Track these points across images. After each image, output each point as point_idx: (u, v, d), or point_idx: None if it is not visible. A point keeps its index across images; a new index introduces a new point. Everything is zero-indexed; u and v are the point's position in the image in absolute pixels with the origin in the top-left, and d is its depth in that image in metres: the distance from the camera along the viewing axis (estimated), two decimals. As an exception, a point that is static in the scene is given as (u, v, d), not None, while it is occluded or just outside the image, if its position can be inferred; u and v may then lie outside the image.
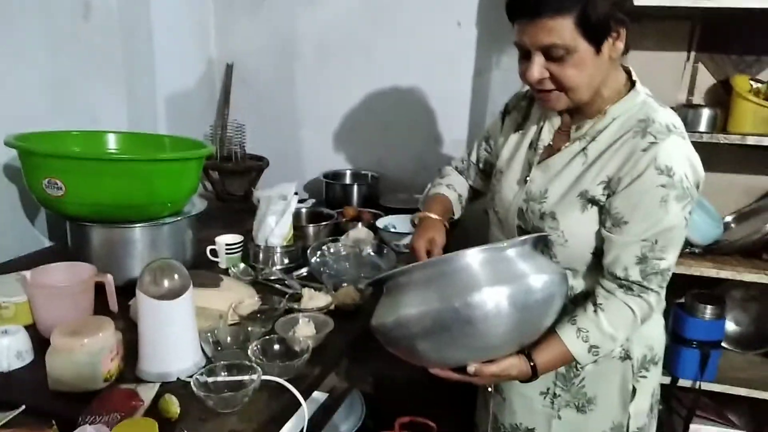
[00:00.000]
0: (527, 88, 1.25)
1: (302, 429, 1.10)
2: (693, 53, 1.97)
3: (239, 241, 1.64)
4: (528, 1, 1.00)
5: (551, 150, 1.17)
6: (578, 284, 1.16)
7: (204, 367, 1.10)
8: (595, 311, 1.08)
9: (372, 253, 1.68)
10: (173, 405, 0.99)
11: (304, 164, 2.43)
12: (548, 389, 1.22)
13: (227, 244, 1.61)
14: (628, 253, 1.05)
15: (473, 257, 1.00)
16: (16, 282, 1.28)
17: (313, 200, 2.14)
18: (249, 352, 1.11)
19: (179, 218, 1.50)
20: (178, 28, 2.21)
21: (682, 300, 1.90)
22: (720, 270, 1.77)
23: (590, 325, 1.08)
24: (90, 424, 0.94)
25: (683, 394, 1.89)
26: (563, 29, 0.98)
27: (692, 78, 1.99)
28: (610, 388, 1.20)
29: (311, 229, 1.82)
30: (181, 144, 1.65)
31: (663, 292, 1.10)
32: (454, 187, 1.41)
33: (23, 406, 1.02)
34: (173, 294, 1.09)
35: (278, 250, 1.63)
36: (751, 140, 1.71)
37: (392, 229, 1.85)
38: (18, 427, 0.97)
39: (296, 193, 1.68)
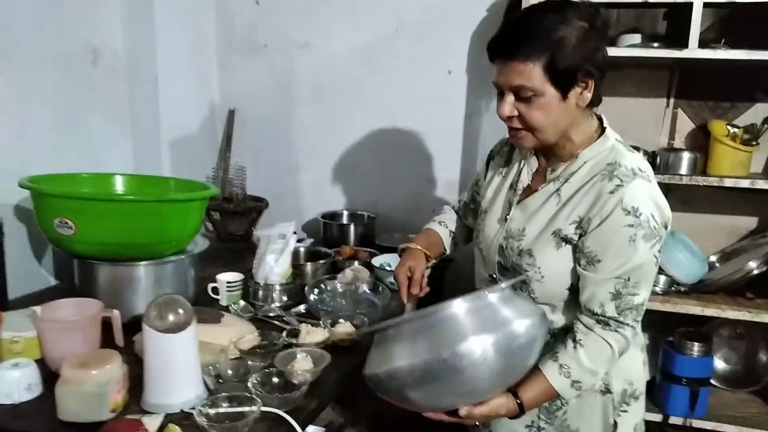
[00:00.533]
0: (508, 136, 1.33)
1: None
2: (672, 99, 2.08)
3: (239, 279, 1.70)
4: (504, 45, 1.09)
5: (529, 191, 1.24)
6: (557, 319, 1.21)
7: (206, 398, 1.14)
8: (575, 347, 1.12)
9: (368, 291, 1.74)
10: (177, 435, 1.04)
11: (303, 205, 2.50)
12: (533, 422, 1.26)
13: (228, 282, 1.67)
14: (603, 290, 1.10)
15: (458, 307, 1.04)
16: (26, 318, 1.33)
17: (311, 240, 2.20)
18: (249, 384, 1.16)
19: (183, 257, 1.56)
20: (182, 74, 2.31)
21: (671, 338, 1.95)
22: (705, 308, 1.82)
23: (571, 362, 1.12)
24: (97, 453, 0.99)
25: (674, 431, 1.92)
26: (532, 73, 1.05)
27: (672, 122, 2.10)
28: (593, 422, 1.23)
29: (309, 267, 1.88)
30: (185, 185, 1.73)
31: (638, 327, 1.15)
32: (446, 224, 1.49)
33: (32, 437, 1.07)
34: (177, 328, 1.14)
35: (277, 287, 1.69)
36: (728, 182, 1.79)
37: (387, 267, 1.91)
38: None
39: (295, 233, 1.75)
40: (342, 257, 2.03)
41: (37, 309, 1.28)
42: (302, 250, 2.01)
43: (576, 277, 1.14)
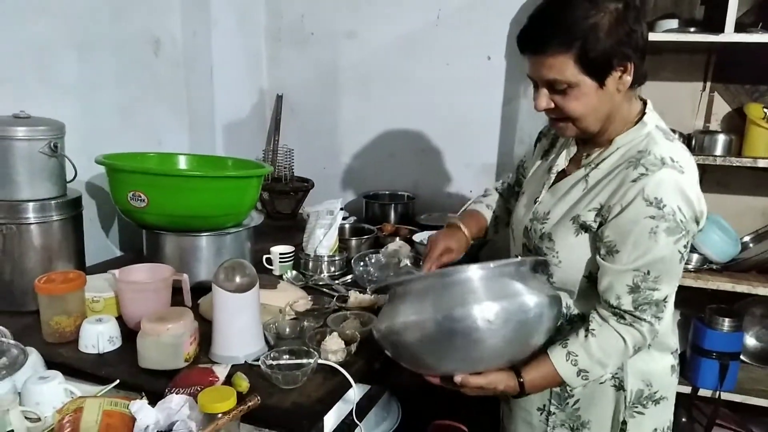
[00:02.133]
0: None
1: (351, 409, 1.25)
2: (709, 83, 2.12)
3: (291, 251, 1.83)
4: (531, 40, 1.06)
5: (563, 175, 1.22)
6: (574, 306, 1.19)
7: (268, 352, 1.27)
8: (586, 336, 1.10)
9: (409, 264, 1.84)
10: (244, 381, 1.17)
11: (346, 186, 2.63)
12: (544, 405, 1.26)
13: (281, 254, 1.80)
14: (621, 282, 1.07)
15: (472, 272, 1.05)
16: (104, 281, 1.49)
17: (354, 218, 2.32)
18: (307, 339, 1.28)
19: (241, 229, 1.70)
20: (235, 62, 2.45)
21: (702, 314, 2.01)
22: (736, 284, 1.88)
23: (580, 350, 1.10)
24: (176, 395, 1.12)
25: (703, 404, 1.99)
26: (563, 66, 1.02)
27: (708, 106, 2.14)
28: (603, 416, 1.21)
29: (354, 241, 2.00)
30: (242, 164, 1.86)
31: (657, 324, 1.09)
32: (492, 208, 1.48)
33: (117, 381, 1.21)
34: (243, 288, 1.27)
35: (325, 259, 1.81)
36: (762, 163, 1.84)
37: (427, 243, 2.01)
38: (114, 397, 1.16)
39: (342, 209, 1.87)
40: (384, 233, 2.14)
41: (116, 272, 1.42)
42: (347, 226, 2.13)
43: (595, 266, 1.12)
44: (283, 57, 2.62)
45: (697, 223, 1.06)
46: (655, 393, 1.20)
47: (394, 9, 2.40)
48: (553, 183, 1.23)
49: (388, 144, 2.54)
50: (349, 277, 1.78)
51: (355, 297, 1.55)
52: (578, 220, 1.13)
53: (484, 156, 2.42)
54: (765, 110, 1.96)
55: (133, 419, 1.05)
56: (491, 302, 1.02)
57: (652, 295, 1.06)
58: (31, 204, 1.48)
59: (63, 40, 1.78)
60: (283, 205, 2.50)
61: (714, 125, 2.15)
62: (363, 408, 1.37)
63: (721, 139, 1.98)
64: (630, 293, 1.07)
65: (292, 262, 1.83)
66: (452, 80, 2.39)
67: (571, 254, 1.14)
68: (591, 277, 1.14)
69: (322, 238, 1.83)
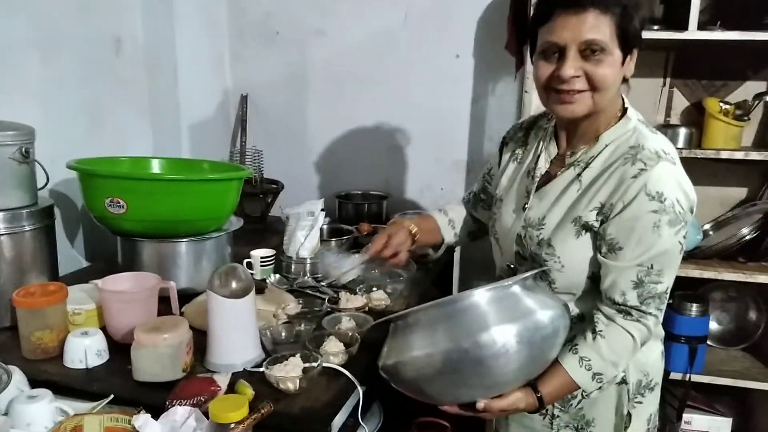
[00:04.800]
0: (522, 119, 1.38)
1: (358, 409, 1.23)
2: (668, 79, 2.21)
3: (272, 254, 1.80)
4: None
5: (548, 177, 1.20)
6: (574, 307, 1.18)
7: (265, 359, 1.24)
8: (594, 338, 1.10)
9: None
10: (248, 388, 1.14)
11: (317, 186, 2.60)
12: (547, 410, 1.23)
13: (262, 257, 1.77)
14: (625, 278, 1.07)
15: (479, 296, 1.02)
16: (82, 292, 1.42)
17: (328, 218, 2.30)
18: (307, 342, 1.26)
19: (221, 233, 1.65)
20: (198, 62, 2.38)
21: (670, 300, 2.09)
22: (703, 271, 1.97)
23: (592, 354, 1.10)
24: (179, 406, 1.08)
25: (675, 387, 2.07)
26: (605, 27, 1.01)
27: (668, 101, 2.23)
28: (607, 412, 1.22)
29: (333, 242, 1.98)
30: (218, 167, 1.82)
31: (661, 316, 1.11)
32: (445, 212, 1.50)
33: (111, 396, 1.16)
34: (239, 294, 1.24)
35: (308, 261, 1.79)
36: (724, 154, 1.93)
37: (407, 242, 2.01)
38: (112, 413, 1.10)
39: (323, 210, 1.85)
40: (361, 233, 2.13)
41: (98, 282, 1.36)
42: (324, 227, 2.10)
43: (597, 266, 1.11)
44: (247, 56, 2.56)
45: (691, 212, 1.08)
46: (650, 381, 1.23)
47: (362, 8, 2.39)
48: (539, 186, 1.20)
49: (359, 143, 2.52)
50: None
51: (346, 298, 1.53)
52: (579, 221, 1.11)
53: (455, 153, 2.44)
54: (722, 104, 2.06)
55: (137, 435, 1.01)
56: (510, 324, 1.00)
57: (655, 288, 1.07)
58: (1, 214, 1.39)
59: (24, 40, 1.68)
60: (252, 207, 2.44)
61: (674, 119, 2.24)
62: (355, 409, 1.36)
63: (683, 132, 2.07)
64: (635, 288, 1.07)
65: (273, 266, 1.80)
66: (422, 78, 2.40)
67: (574, 257, 1.13)
68: (594, 277, 1.13)
69: (303, 240, 1.81)
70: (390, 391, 2.12)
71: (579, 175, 1.14)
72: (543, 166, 1.21)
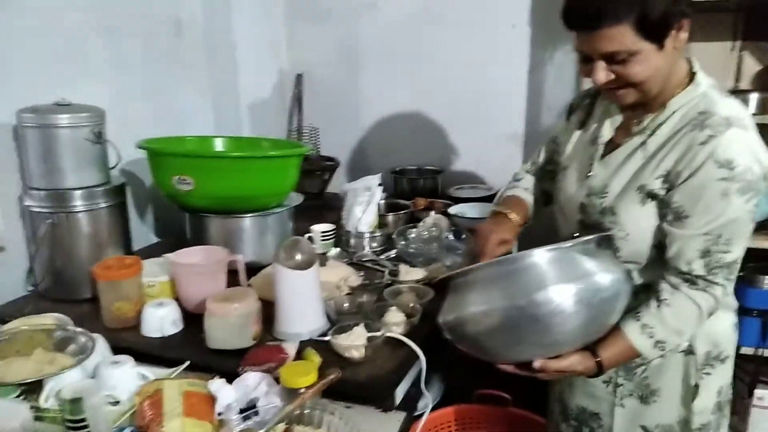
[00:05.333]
0: (589, 85, 1.30)
1: (420, 378, 1.25)
2: (738, 42, 2.10)
3: (332, 229, 1.83)
4: (584, 15, 1.01)
5: (612, 145, 1.18)
6: (639, 277, 1.16)
7: (329, 328, 1.28)
8: (658, 306, 1.08)
9: (451, 237, 1.85)
10: (315, 356, 1.18)
11: (372, 163, 2.61)
12: (610, 378, 1.23)
13: (322, 232, 1.80)
14: (691, 247, 1.04)
15: (539, 256, 1.02)
16: (156, 266, 1.49)
17: (385, 193, 2.31)
18: (370, 312, 1.29)
19: (283, 209, 1.70)
20: (255, 42, 2.42)
21: (742, 273, 2.01)
22: (776, 242, 1.89)
23: (654, 321, 1.08)
24: (251, 372, 1.13)
25: (746, 362, 2.00)
26: (623, 36, 0.99)
27: (738, 65, 2.12)
28: (673, 382, 1.20)
29: (390, 217, 2.00)
30: (278, 145, 1.86)
31: (730, 286, 1.08)
32: (530, 191, 1.42)
33: (187, 362, 1.23)
34: (304, 266, 1.28)
35: (366, 235, 1.81)
36: (801, 119, 1.83)
37: (464, 215, 2.02)
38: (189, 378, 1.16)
39: (380, 185, 1.87)
40: (418, 208, 2.14)
41: (171, 256, 1.42)
42: (381, 203, 2.12)
43: (662, 235, 1.09)
44: (301, 35, 2.58)
45: (765, 179, 1.03)
46: (721, 353, 1.20)
47: (415, -21, 2.37)
48: (603, 155, 1.19)
49: (413, 118, 2.52)
50: (393, 252, 1.79)
51: (406, 271, 1.55)
52: (644, 189, 1.09)
53: (511, 126, 2.40)
54: (797, 66, 1.95)
55: (213, 398, 1.06)
56: (568, 284, 0.99)
57: (724, 258, 1.04)
58: (78, 192, 1.48)
59: (90, 25, 1.75)
60: (310, 184, 2.48)
61: (744, 84, 2.13)
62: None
63: (754, 97, 1.97)
64: (701, 258, 1.05)
65: (333, 240, 1.83)
66: (476, 50, 2.36)
67: (637, 225, 1.11)
68: (659, 246, 1.11)
69: (361, 215, 1.83)
70: (451, 364, 2.14)
71: (644, 142, 1.12)
72: (607, 134, 1.20)
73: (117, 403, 1.11)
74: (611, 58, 1.02)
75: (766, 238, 1.91)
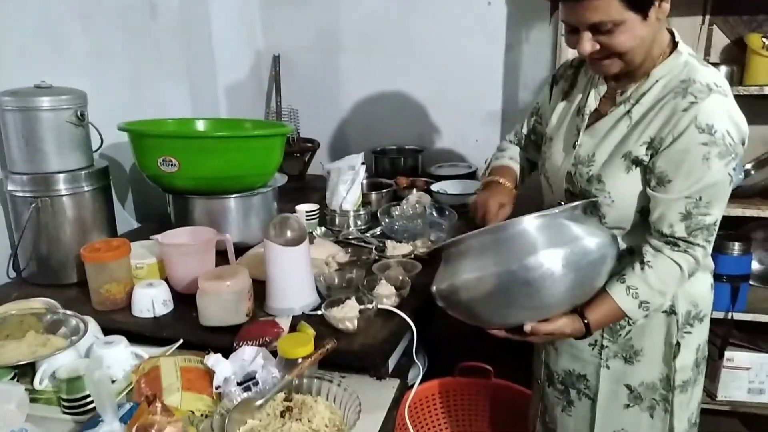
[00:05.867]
0: (571, 57, 1.35)
1: (412, 348, 1.29)
2: (707, 17, 2.16)
3: (316, 208, 1.85)
4: None
5: (598, 115, 1.21)
6: (622, 242, 1.20)
7: (321, 303, 1.30)
8: (642, 269, 1.12)
9: (434, 214, 1.88)
10: (309, 329, 1.20)
11: (352, 143, 2.62)
12: (596, 341, 1.27)
13: (307, 211, 1.81)
14: (673, 210, 1.08)
15: (529, 223, 1.05)
16: (141, 248, 1.49)
17: (366, 173, 2.33)
18: (360, 286, 1.31)
19: (267, 189, 1.71)
20: (230, 24, 2.40)
21: (712, 240, 2.09)
22: (745, 209, 1.96)
23: (639, 282, 1.12)
24: (246, 347, 1.15)
25: (717, 326, 2.08)
26: (609, 6, 1.01)
27: (708, 39, 2.18)
28: (656, 342, 1.24)
29: (374, 195, 2.02)
30: (261, 125, 1.86)
31: (709, 247, 1.13)
32: (516, 160, 1.46)
33: (181, 340, 1.24)
34: (294, 242, 1.29)
35: (351, 214, 1.83)
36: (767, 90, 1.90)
37: (445, 192, 2.05)
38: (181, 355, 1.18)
39: (363, 163, 1.89)
40: (400, 187, 2.17)
41: (158, 237, 1.42)
42: (364, 182, 2.14)
43: (646, 200, 1.13)
44: (277, 16, 2.57)
45: (743, 144, 1.08)
46: (699, 312, 1.25)
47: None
48: (589, 124, 1.22)
49: (392, 98, 2.54)
50: (378, 229, 1.81)
51: (392, 246, 1.58)
52: (629, 156, 1.13)
53: (489, 103, 2.44)
54: (764, 39, 2.01)
55: (210, 373, 1.08)
56: (557, 248, 1.03)
57: (704, 220, 1.09)
58: (61, 175, 1.46)
59: (67, 10, 1.72)
60: (290, 167, 2.48)
61: (714, 58, 2.19)
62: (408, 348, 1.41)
63: (724, 70, 2.02)
64: (683, 220, 1.09)
65: (317, 220, 1.85)
66: (453, 28, 2.39)
67: (623, 191, 1.15)
68: (643, 211, 1.15)
69: (346, 194, 1.85)
70: (434, 339, 2.18)
71: (629, 111, 1.15)
72: (593, 104, 1.23)
73: (113, 382, 1.12)
74: (597, 29, 1.05)
75: (735, 205, 1.98)
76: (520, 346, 1.25)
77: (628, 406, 1.30)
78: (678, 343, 1.23)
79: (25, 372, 1.14)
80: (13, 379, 1.13)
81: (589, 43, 1.07)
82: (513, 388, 1.99)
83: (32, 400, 1.07)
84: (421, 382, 1.98)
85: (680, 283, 1.14)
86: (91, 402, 1.04)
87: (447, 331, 2.26)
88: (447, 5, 2.37)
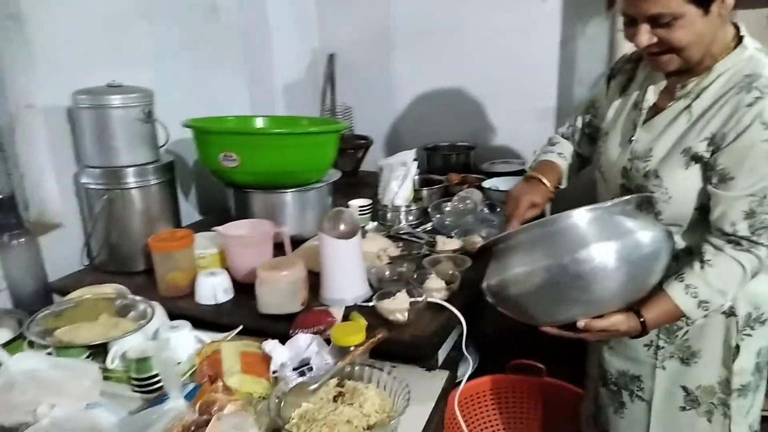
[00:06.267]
0: (630, 51, 1.33)
1: (462, 342, 1.31)
2: (775, 9, 2.08)
3: (369, 203, 1.89)
4: None
5: (656, 109, 1.19)
6: (680, 240, 1.17)
7: (372, 295, 1.34)
8: (702, 267, 1.09)
9: (485, 210, 1.89)
10: (361, 319, 1.24)
11: (404, 140, 2.65)
12: (651, 341, 1.25)
13: (360, 206, 1.86)
14: (736, 209, 1.06)
15: (579, 217, 1.03)
16: (203, 239, 1.57)
17: (419, 169, 2.36)
18: (410, 279, 1.35)
19: (322, 184, 1.76)
20: (287, 24, 2.47)
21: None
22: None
23: (698, 281, 1.09)
24: (301, 334, 1.20)
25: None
26: None
27: (776, 32, 2.10)
28: (714, 343, 1.21)
29: (425, 191, 2.05)
30: (316, 122, 1.92)
31: None
32: (564, 156, 1.44)
33: (241, 326, 1.30)
34: (347, 235, 1.34)
35: (402, 209, 1.87)
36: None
37: (497, 189, 2.05)
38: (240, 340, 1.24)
39: (415, 159, 1.91)
40: (451, 183, 2.18)
41: (220, 229, 1.50)
42: (416, 178, 2.17)
43: (706, 197, 1.11)
44: (332, 15, 2.62)
45: None
46: (762, 314, 1.21)
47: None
48: (647, 119, 1.20)
49: (445, 95, 2.55)
50: (429, 225, 1.84)
51: (443, 242, 1.61)
52: (689, 152, 1.11)
53: (543, 100, 2.41)
54: (837, 32, 1.92)
55: (268, 358, 1.14)
56: (608, 242, 1.01)
57: None
58: (130, 169, 1.56)
59: (133, 9, 1.82)
60: (344, 163, 2.53)
61: (782, 52, 2.11)
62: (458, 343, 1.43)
63: (792, 65, 1.95)
64: (746, 219, 1.06)
65: (370, 214, 1.89)
66: (508, 24, 2.37)
67: (681, 188, 1.13)
68: (702, 209, 1.13)
69: (398, 190, 1.88)
70: (486, 336, 2.17)
71: (689, 106, 1.13)
72: (651, 98, 1.21)
73: (178, 364, 1.19)
74: (655, 21, 1.04)
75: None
76: (574, 344, 1.23)
77: (684, 408, 1.27)
78: (737, 346, 1.20)
79: (98, 352, 1.22)
80: (87, 358, 1.22)
81: (646, 36, 1.06)
82: (565, 388, 1.96)
83: (104, 378, 1.15)
84: (472, 378, 2.03)
85: (742, 283, 1.11)
86: (158, 381, 1.11)
87: (499, 327, 2.26)
88: (501, 1, 2.36)
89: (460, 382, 1.35)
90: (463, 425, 1.34)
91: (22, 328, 1.25)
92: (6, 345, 1.18)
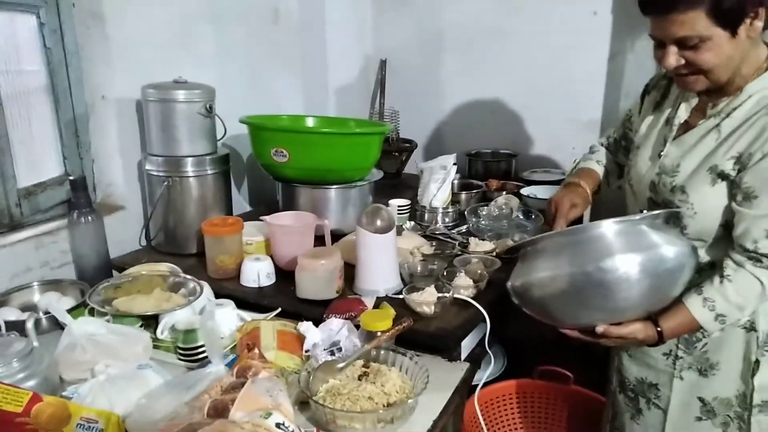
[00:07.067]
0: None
1: (485, 339, 1.37)
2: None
3: (408, 203, 1.97)
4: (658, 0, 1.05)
5: (687, 126, 1.22)
6: (704, 255, 1.20)
7: (403, 288, 1.42)
8: (721, 282, 1.11)
9: (521, 216, 1.94)
10: (390, 309, 1.32)
11: (447, 145, 2.73)
12: (670, 351, 1.27)
13: (399, 206, 1.94)
14: (758, 227, 1.08)
15: (606, 227, 1.06)
16: (251, 227, 1.68)
17: (458, 174, 2.42)
18: (440, 276, 1.42)
19: (364, 183, 1.85)
20: (343, 29, 2.59)
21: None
22: None
23: (716, 295, 1.11)
24: (334, 318, 1.29)
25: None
26: (695, 22, 1.02)
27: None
28: (733, 357, 1.22)
29: (463, 195, 2.12)
30: (362, 124, 2.02)
31: None
32: (602, 163, 1.50)
33: (279, 309, 1.40)
34: (383, 230, 1.42)
35: (440, 211, 1.94)
36: None
37: (535, 196, 2.10)
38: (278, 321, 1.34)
39: (455, 164, 1.98)
40: (490, 189, 2.24)
41: (267, 218, 1.61)
42: (455, 182, 2.24)
43: (730, 214, 1.13)
44: (385, 21, 2.73)
45: None
46: None
47: (496, -35, 2.44)
48: (677, 135, 1.23)
49: (490, 102, 2.61)
50: (464, 227, 1.90)
51: (475, 243, 1.67)
52: (716, 169, 1.13)
53: (588, 112, 2.44)
54: None
55: (302, 338, 1.23)
56: (634, 254, 1.04)
57: None
58: (190, 159, 1.69)
59: (200, 13, 1.96)
60: (388, 165, 2.62)
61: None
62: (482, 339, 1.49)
63: None
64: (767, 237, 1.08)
65: (408, 214, 1.97)
66: (556, 36, 2.42)
67: (707, 204, 1.15)
68: (727, 225, 1.15)
69: (436, 192, 1.96)
70: (513, 340, 2.20)
71: (718, 125, 1.15)
72: (683, 115, 1.24)
73: (221, 338, 1.30)
74: (683, 43, 1.06)
75: None
76: (602, 353, 1.29)
77: (699, 419, 1.29)
78: (757, 361, 1.22)
79: (150, 323, 1.34)
80: (140, 326, 1.34)
81: (674, 57, 1.09)
82: (592, 397, 1.98)
83: (154, 347, 1.27)
84: (498, 381, 2.07)
85: (761, 299, 1.13)
86: (202, 353, 1.22)
87: (528, 332, 2.31)
88: (551, 12, 2.40)
89: (483, 383, 1.40)
90: (483, 423, 1.39)
91: (84, 297, 1.38)
92: (71, 311, 1.30)
